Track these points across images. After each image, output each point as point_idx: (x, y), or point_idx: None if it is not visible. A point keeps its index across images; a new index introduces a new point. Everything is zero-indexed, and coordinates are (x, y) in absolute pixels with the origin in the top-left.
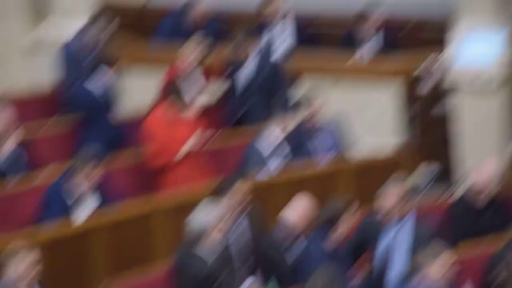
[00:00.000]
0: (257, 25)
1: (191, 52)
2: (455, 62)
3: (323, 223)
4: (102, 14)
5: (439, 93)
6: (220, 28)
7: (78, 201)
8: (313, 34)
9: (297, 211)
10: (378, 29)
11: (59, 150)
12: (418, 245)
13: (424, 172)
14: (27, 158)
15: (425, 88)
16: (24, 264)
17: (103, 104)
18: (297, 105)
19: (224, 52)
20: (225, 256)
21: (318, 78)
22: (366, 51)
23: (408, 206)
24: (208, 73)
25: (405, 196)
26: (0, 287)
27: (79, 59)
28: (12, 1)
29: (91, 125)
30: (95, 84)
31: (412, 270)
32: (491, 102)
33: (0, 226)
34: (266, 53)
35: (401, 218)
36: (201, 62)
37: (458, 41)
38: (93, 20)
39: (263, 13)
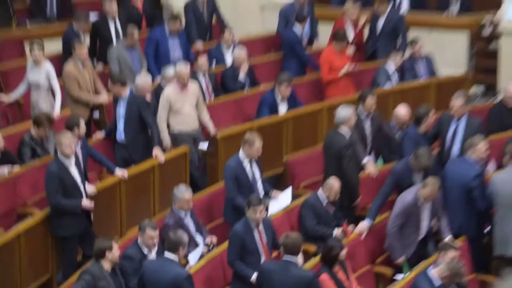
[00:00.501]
0: None
1: (350, 11)
2: (504, 17)
3: (415, 119)
4: None
5: (494, 36)
6: None
7: (280, 104)
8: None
9: (403, 110)
10: None
11: (271, 74)
12: (469, 133)
13: (478, 88)
14: (253, 76)
15: (486, 32)
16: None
17: (300, 44)
18: (407, 45)
19: (368, 11)
20: (355, 137)
21: (420, 29)
22: (451, 11)
23: (467, 108)
24: (356, 24)
25: (466, 101)
26: None
27: (289, 16)
28: None
29: (291, 57)
30: (297, 31)
31: (466, 148)
32: None
33: (232, 120)
34: (395, 11)
35: (461, 116)
36: (355, 18)
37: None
38: None
39: None
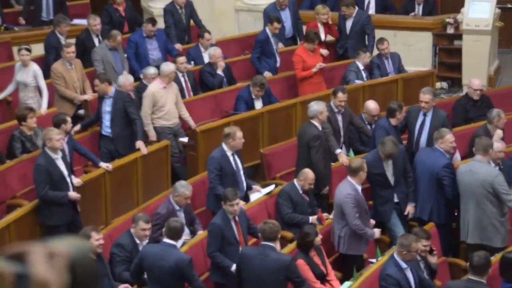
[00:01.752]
0: None
1: (322, 12)
2: (466, 16)
3: (388, 112)
4: None
5: (456, 35)
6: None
7: (255, 100)
8: (387, 3)
9: (372, 104)
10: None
11: (248, 72)
12: (436, 125)
13: (442, 83)
14: (230, 74)
15: (450, 31)
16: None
17: (257, 46)
18: (374, 44)
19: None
20: (329, 130)
21: (386, 30)
22: (416, 12)
23: (434, 101)
24: (328, 25)
25: (433, 96)
26: None
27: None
28: None
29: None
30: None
31: (435, 139)
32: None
33: (210, 115)
34: (362, 12)
35: (428, 109)
36: (326, 19)
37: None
38: None
39: None
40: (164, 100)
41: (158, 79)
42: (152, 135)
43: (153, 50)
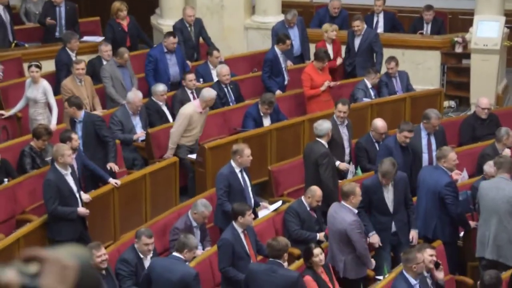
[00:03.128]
0: (368, 14)
1: (330, 30)
2: (474, 36)
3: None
4: None
5: (464, 54)
6: (345, 16)
7: (263, 118)
8: (396, 22)
9: (380, 122)
10: (432, 18)
11: (256, 90)
12: (440, 140)
13: (450, 102)
14: (238, 92)
15: (458, 50)
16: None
17: (267, 65)
18: (382, 63)
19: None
20: (334, 145)
21: (395, 48)
22: (425, 31)
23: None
24: (337, 42)
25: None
26: None
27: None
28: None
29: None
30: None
31: (438, 157)
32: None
33: (218, 132)
34: (370, 30)
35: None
36: (335, 35)
37: (476, 24)
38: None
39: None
40: (196, 124)
41: (197, 102)
42: (170, 154)
43: (172, 65)
